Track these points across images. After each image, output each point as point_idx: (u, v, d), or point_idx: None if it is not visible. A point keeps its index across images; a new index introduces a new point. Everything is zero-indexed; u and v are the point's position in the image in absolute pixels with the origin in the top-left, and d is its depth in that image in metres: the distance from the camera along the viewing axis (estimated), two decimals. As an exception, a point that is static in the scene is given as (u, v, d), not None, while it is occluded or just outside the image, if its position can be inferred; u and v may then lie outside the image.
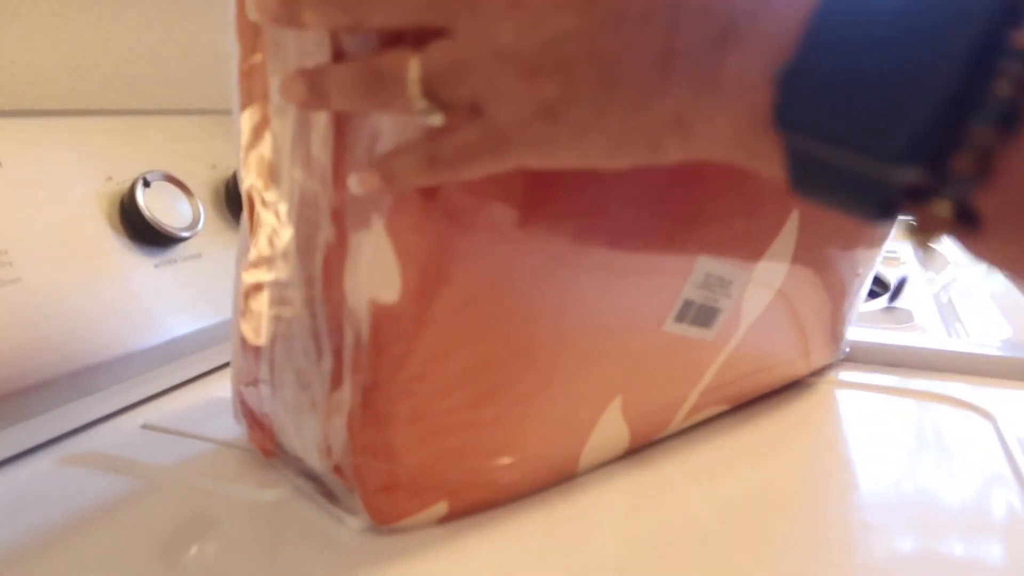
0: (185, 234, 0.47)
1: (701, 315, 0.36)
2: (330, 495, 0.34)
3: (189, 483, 0.37)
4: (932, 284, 0.73)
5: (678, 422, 0.41)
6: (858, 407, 0.46)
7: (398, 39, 0.25)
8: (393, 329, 0.29)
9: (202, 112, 0.57)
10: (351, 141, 0.28)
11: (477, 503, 0.34)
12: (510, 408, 0.32)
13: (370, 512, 0.32)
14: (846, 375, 0.50)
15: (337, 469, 0.33)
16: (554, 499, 0.35)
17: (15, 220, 0.40)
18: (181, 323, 0.46)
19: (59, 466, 0.39)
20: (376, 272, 0.29)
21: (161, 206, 0.46)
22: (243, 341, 0.36)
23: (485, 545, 0.32)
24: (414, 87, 0.24)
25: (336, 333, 0.30)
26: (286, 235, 0.32)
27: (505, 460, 0.33)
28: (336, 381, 0.31)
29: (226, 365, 0.52)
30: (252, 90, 0.34)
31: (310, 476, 0.35)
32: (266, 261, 0.33)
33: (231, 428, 0.42)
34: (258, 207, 0.34)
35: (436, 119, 0.24)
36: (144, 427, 0.43)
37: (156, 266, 0.46)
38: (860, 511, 0.34)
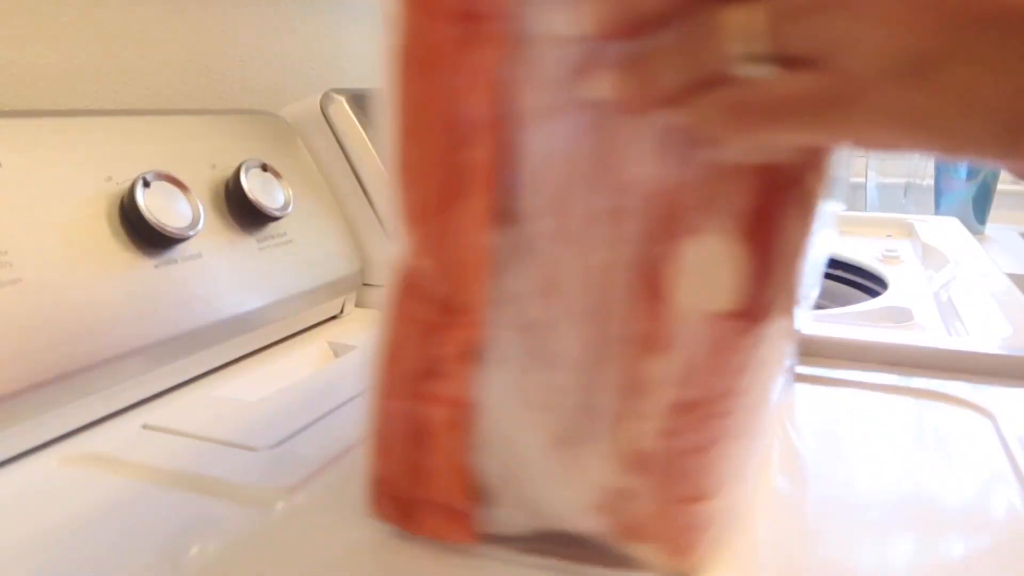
0: (185, 234, 0.47)
1: None
2: (581, 556, 0.29)
3: (189, 483, 0.37)
4: (932, 282, 0.73)
5: None
6: (857, 406, 0.46)
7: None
8: (733, 340, 0.26)
9: (202, 112, 0.57)
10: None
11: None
12: None
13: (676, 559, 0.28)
14: (845, 373, 0.50)
15: (624, 528, 0.28)
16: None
17: (15, 220, 0.40)
18: (181, 323, 0.46)
19: (59, 466, 0.39)
20: (713, 278, 0.25)
21: (161, 206, 0.46)
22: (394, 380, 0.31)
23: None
24: (753, 26, 0.20)
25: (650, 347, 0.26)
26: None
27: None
28: (628, 408, 0.26)
29: (226, 366, 0.53)
30: None
31: (546, 540, 0.30)
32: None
33: (231, 428, 0.42)
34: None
35: (765, 71, 0.20)
36: (144, 427, 0.43)
37: (156, 266, 0.46)
38: (859, 510, 0.34)
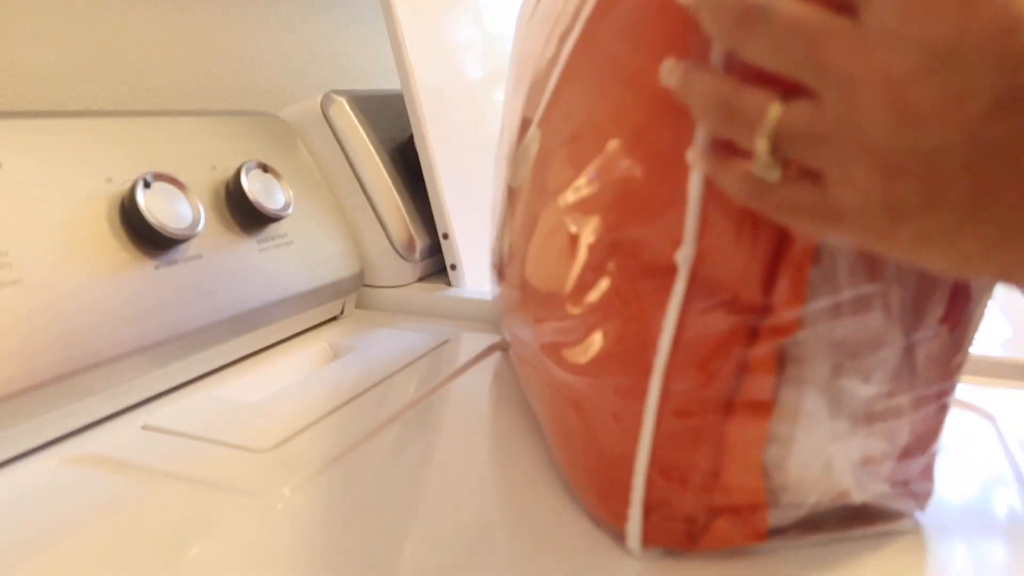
0: (185, 235, 0.47)
1: None
2: (857, 520, 0.32)
3: (189, 483, 0.37)
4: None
5: None
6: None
7: (765, 77, 0.23)
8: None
9: (202, 112, 0.57)
10: None
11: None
12: None
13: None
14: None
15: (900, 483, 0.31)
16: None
17: (15, 221, 0.40)
18: (181, 324, 0.46)
19: (60, 467, 0.39)
20: None
21: (161, 207, 0.46)
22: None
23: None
24: (763, 135, 0.23)
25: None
26: None
27: None
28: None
29: (226, 366, 0.53)
30: None
31: (817, 519, 0.31)
32: None
33: (231, 429, 0.42)
34: None
35: (772, 175, 0.23)
36: (145, 428, 0.43)
37: (156, 267, 0.46)
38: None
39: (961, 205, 0.20)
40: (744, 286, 0.27)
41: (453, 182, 0.65)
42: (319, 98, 0.65)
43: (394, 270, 0.67)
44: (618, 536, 0.31)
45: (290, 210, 0.56)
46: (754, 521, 0.30)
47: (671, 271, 0.28)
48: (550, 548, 0.31)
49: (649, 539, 0.30)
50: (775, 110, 0.23)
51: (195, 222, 0.48)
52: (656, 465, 0.29)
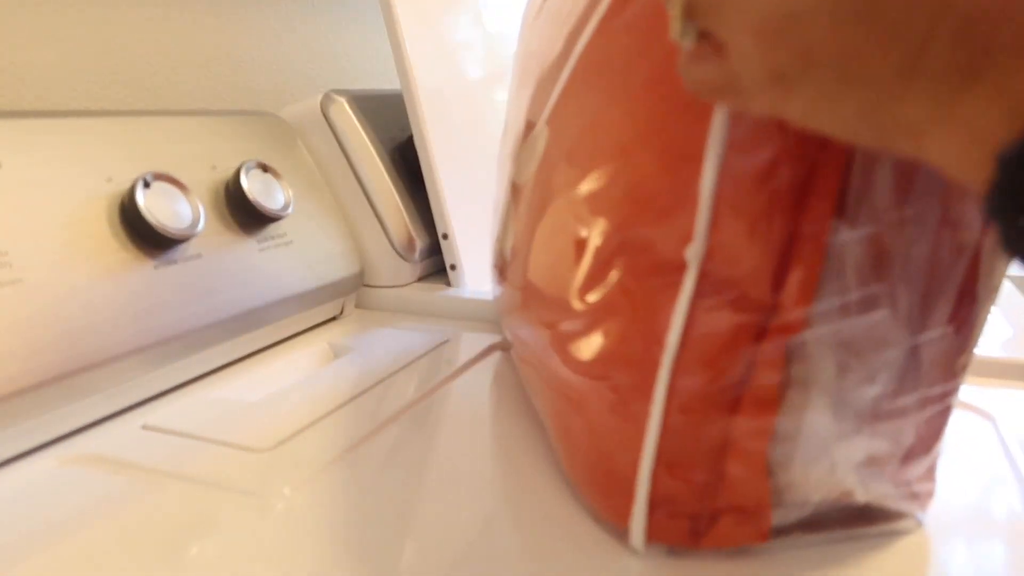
0: (185, 235, 0.47)
1: None
2: (859, 520, 0.32)
3: (189, 483, 0.37)
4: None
5: None
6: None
7: None
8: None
9: (202, 112, 0.57)
10: None
11: None
12: None
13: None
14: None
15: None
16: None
17: (15, 220, 0.40)
18: (181, 324, 0.46)
19: (60, 467, 0.39)
20: None
21: (161, 207, 0.46)
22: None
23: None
24: (675, 6, 0.24)
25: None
26: None
27: None
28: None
29: (226, 366, 0.53)
30: None
31: (819, 518, 0.32)
32: None
33: (231, 429, 0.42)
34: None
35: (686, 42, 0.24)
36: (145, 428, 0.43)
37: (156, 267, 0.46)
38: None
39: (833, 69, 0.21)
40: (753, 283, 0.27)
41: (453, 182, 0.65)
42: (319, 98, 0.65)
43: (394, 270, 0.67)
44: (620, 534, 0.31)
45: (290, 210, 0.56)
46: (758, 520, 0.30)
47: (680, 268, 0.28)
48: (552, 546, 0.31)
49: (652, 536, 0.30)
50: None
51: (195, 222, 0.48)
52: (661, 462, 0.29)
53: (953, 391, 0.31)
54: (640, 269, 0.30)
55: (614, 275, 0.31)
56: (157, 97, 0.67)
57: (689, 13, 0.24)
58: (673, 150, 0.28)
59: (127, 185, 0.46)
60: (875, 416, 0.29)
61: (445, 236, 0.65)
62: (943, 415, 0.31)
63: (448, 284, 0.67)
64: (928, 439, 0.31)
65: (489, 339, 0.57)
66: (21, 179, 0.41)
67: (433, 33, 0.66)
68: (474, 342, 0.57)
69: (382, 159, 0.66)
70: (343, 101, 0.65)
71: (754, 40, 0.22)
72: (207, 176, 0.53)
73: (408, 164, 0.67)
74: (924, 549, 0.32)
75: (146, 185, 0.46)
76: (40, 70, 0.57)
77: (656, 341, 0.28)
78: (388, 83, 0.72)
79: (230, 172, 0.54)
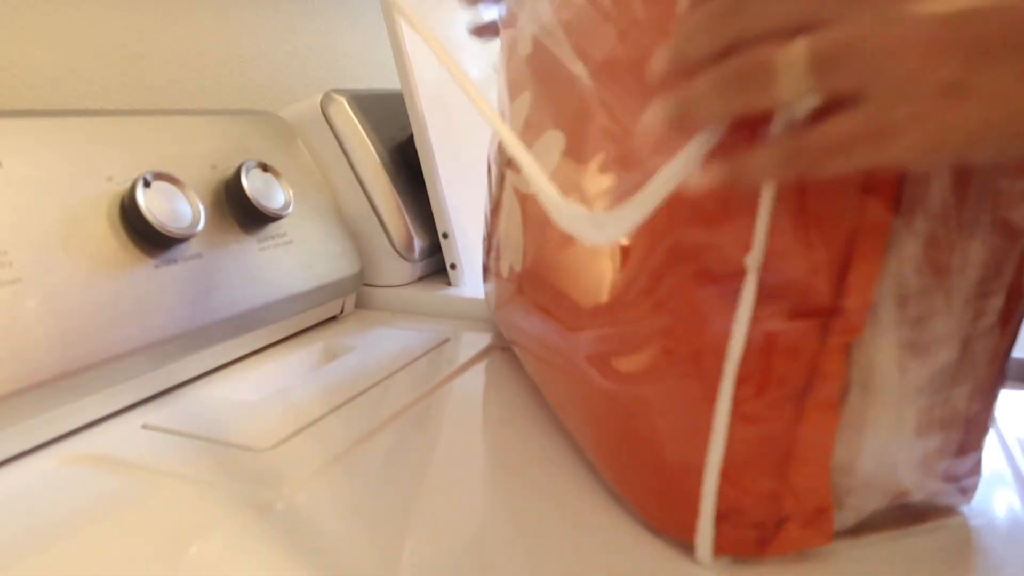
0: (185, 234, 0.47)
1: None
2: (913, 518, 0.32)
3: (189, 483, 0.37)
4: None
5: None
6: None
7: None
8: None
9: (202, 112, 0.57)
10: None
11: None
12: None
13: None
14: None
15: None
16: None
17: (15, 220, 0.40)
18: (181, 323, 0.46)
19: (60, 466, 0.39)
20: None
21: (161, 206, 0.46)
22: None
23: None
24: (795, 69, 0.22)
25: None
26: None
27: None
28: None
29: (226, 366, 0.52)
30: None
31: (877, 518, 0.32)
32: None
33: (231, 428, 0.42)
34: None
35: (807, 102, 0.23)
36: (144, 427, 0.43)
37: (156, 266, 0.46)
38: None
39: (1015, 56, 0.20)
40: (813, 288, 0.27)
41: (453, 182, 0.65)
42: (319, 97, 0.65)
43: (394, 270, 0.67)
44: (682, 545, 0.31)
45: (290, 209, 0.56)
46: (822, 523, 0.30)
47: (737, 275, 0.27)
48: (555, 546, 0.31)
49: (719, 549, 0.30)
50: (799, 43, 0.22)
51: (195, 221, 0.48)
52: (726, 474, 0.29)
53: (1000, 385, 0.31)
54: (693, 277, 0.29)
55: (663, 283, 0.30)
56: (157, 97, 0.67)
57: (818, 67, 0.22)
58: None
59: (127, 185, 0.46)
60: (932, 414, 0.29)
61: (445, 236, 0.65)
62: (990, 409, 0.32)
63: (448, 284, 0.67)
64: (978, 434, 0.32)
65: (489, 339, 0.57)
66: (21, 179, 0.41)
67: (433, 33, 0.66)
68: (474, 342, 0.57)
69: (382, 159, 0.66)
70: (343, 101, 0.65)
71: (924, 59, 0.21)
72: (207, 175, 0.53)
73: (408, 164, 0.67)
74: (970, 542, 0.32)
75: (146, 185, 0.46)
76: (40, 70, 0.57)
77: (713, 350, 0.28)
78: (388, 83, 0.72)
79: (230, 171, 0.54)
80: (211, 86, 0.73)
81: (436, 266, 0.70)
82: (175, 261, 0.47)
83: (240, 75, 0.76)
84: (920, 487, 0.31)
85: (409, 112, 0.62)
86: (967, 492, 0.33)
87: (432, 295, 0.65)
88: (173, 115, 0.55)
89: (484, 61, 0.74)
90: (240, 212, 0.53)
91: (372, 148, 0.65)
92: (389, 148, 0.67)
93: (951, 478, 0.32)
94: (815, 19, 0.22)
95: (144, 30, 0.66)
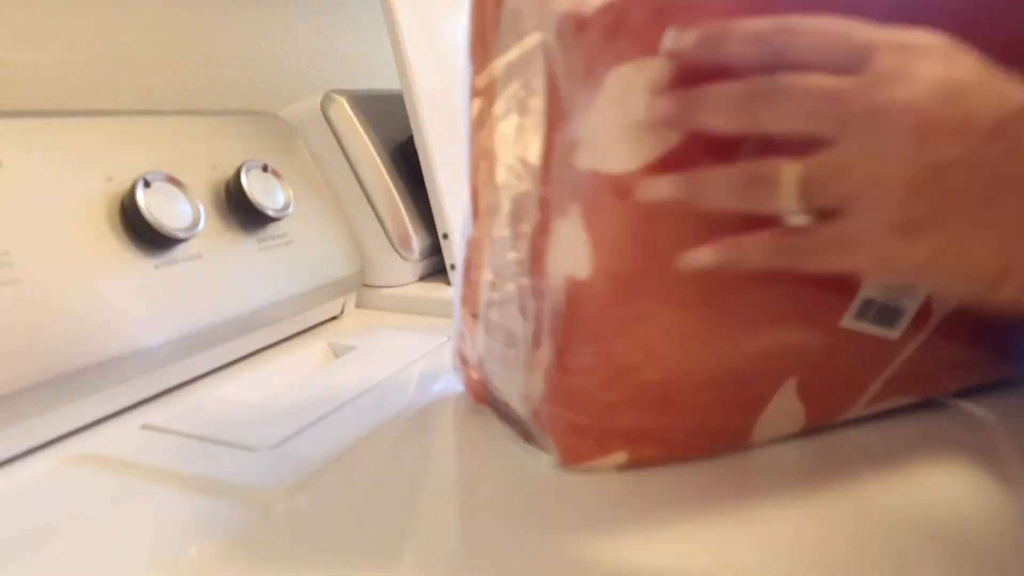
0: (185, 235, 0.47)
1: (883, 314, 0.36)
2: (528, 436, 0.39)
3: (189, 483, 0.37)
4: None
5: (860, 408, 0.41)
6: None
7: (768, 147, 0.27)
8: (584, 302, 0.34)
9: (202, 112, 0.57)
10: (557, 148, 0.33)
11: (653, 458, 0.37)
12: (685, 376, 0.36)
13: (560, 452, 0.37)
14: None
15: (536, 415, 0.38)
16: (727, 466, 0.38)
17: (15, 220, 0.40)
18: (181, 323, 0.46)
19: (59, 466, 0.39)
20: (572, 253, 0.33)
21: (161, 207, 0.46)
22: (464, 306, 0.42)
23: (656, 494, 0.35)
24: (790, 188, 0.26)
25: (539, 302, 0.36)
26: (502, 222, 0.37)
27: (680, 421, 0.37)
28: (536, 342, 0.36)
29: (226, 366, 0.53)
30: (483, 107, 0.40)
31: (510, 420, 0.41)
32: (486, 241, 0.39)
33: (231, 429, 0.42)
34: (482, 196, 0.40)
35: (801, 219, 0.27)
36: (144, 427, 0.43)
37: (156, 266, 0.46)
38: (858, 508, 0.34)
39: (968, 213, 0.24)
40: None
41: (453, 182, 0.65)
42: (319, 98, 0.65)
43: (394, 270, 0.67)
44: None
45: (290, 210, 0.56)
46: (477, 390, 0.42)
47: None
48: (556, 545, 0.31)
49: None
50: (795, 165, 0.26)
51: (195, 222, 0.48)
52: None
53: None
54: None
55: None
56: (157, 97, 0.67)
57: (806, 188, 0.26)
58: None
59: (127, 185, 0.46)
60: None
61: (445, 236, 0.65)
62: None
63: (448, 284, 0.67)
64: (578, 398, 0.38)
65: (489, 339, 0.57)
66: (21, 179, 0.41)
67: (433, 33, 0.66)
68: (474, 342, 0.57)
69: (382, 159, 0.66)
70: (343, 101, 0.65)
71: (891, 195, 0.25)
72: (207, 176, 0.53)
73: (408, 164, 0.67)
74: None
75: (146, 185, 0.46)
76: (40, 70, 0.57)
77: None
78: (388, 83, 0.72)
79: (230, 172, 0.54)
80: (211, 86, 0.73)
81: (436, 266, 0.70)
82: (175, 261, 0.47)
83: (240, 75, 0.76)
84: (521, 410, 0.39)
85: (409, 112, 0.62)
86: (562, 448, 0.38)
87: (432, 295, 0.65)
88: (173, 115, 0.55)
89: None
90: (240, 212, 0.53)
91: (372, 148, 0.65)
92: (389, 148, 0.67)
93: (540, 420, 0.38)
94: (816, 134, 0.26)
95: (144, 30, 0.66)
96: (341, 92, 0.66)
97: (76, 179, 0.44)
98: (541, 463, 0.38)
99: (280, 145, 0.61)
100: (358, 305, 0.67)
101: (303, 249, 0.58)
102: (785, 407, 0.38)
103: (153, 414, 0.44)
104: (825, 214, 0.27)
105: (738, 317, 0.35)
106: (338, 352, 0.57)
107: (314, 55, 0.87)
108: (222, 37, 0.74)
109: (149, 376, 0.46)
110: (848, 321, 0.36)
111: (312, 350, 0.57)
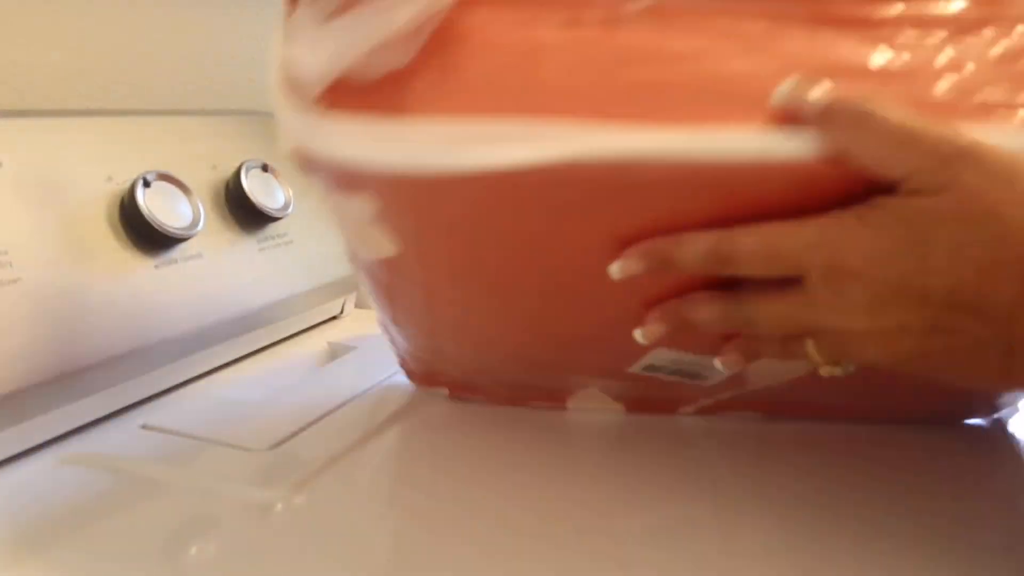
0: (185, 234, 0.47)
1: (679, 373, 0.37)
2: None
3: (189, 483, 0.37)
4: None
5: (687, 414, 0.42)
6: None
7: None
8: (397, 274, 0.36)
9: (202, 112, 0.57)
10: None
11: (473, 399, 0.44)
12: (492, 353, 0.40)
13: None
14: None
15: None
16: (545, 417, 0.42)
17: (15, 220, 0.40)
18: (181, 323, 0.46)
19: (59, 466, 0.39)
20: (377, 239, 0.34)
21: (161, 206, 0.46)
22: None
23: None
24: (821, 361, 0.30)
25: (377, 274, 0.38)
26: None
27: (490, 383, 0.43)
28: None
29: (226, 366, 0.53)
30: None
31: None
32: None
33: (231, 429, 0.42)
34: None
35: (837, 371, 0.30)
36: (144, 427, 0.43)
37: (156, 266, 0.46)
38: (859, 510, 0.34)
39: (934, 364, 0.27)
40: None
41: (453, 182, 0.65)
42: (319, 98, 0.65)
43: (394, 270, 0.67)
44: None
45: (290, 209, 0.56)
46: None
47: None
48: (558, 544, 0.31)
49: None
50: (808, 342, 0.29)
51: (195, 221, 0.48)
52: None
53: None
54: None
55: None
56: (157, 97, 0.67)
57: (836, 359, 0.29)
58: None
59: (127, 185, 0.46)
60: None
61: (445, 236, 0.65)
62: None
63: (448, 284, 0.67)
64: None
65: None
66: (21, 179, 0.41)
67: (433, 33, 0.66)
68: (474, 342, 0.57)
69: (382, 159, 0.65)
70: (343, 101, 0.65)
71: (863, 337, 0.27)
72: (207, 176, 0.53)
73: (408, 164, 0.67)
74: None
75: (146, 185, 0.46)
76: (40, 70, 0.57)
77: None
78: (388, 83, 0.72)
79: (230, 172, 0.54)
80: (211, 86, 0.73)
81: (436, 266, 0.70)
82: (175, 261, 0.47)
83: (240, 75, 0.76)
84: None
85: (409, 112, 0.62)
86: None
87: (432, 295, 0.65)
88: (173, 115, 0.54)
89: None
90: (240, 212, 0.53)
91: (372, 148, 0.65)
92: (389, 148, 0.67)
93: None
94: (807, 332, 0.29)
95: (144, 30, 0.66)
96: (341, 92, 0.66)
97: (76, 179, 0.44)
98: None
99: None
100: (358, 305, 0.67)
101: (303, 249, 0.58)
102: (596, 398, 0.42)
103: (153, 414, 0.44)
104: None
105: (543, 327, 0.37)
106: (338, 352, 0.57)
107: (314, 55, 0.86)
108: (222, 37, 0.74)
109: (149, 376, 0.46)
110: (637, 369, 0.37)
111: (312, 350, 0.57)
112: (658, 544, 0.32)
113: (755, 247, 0.27)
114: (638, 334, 0.32)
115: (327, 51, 0.29)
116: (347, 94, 0.29)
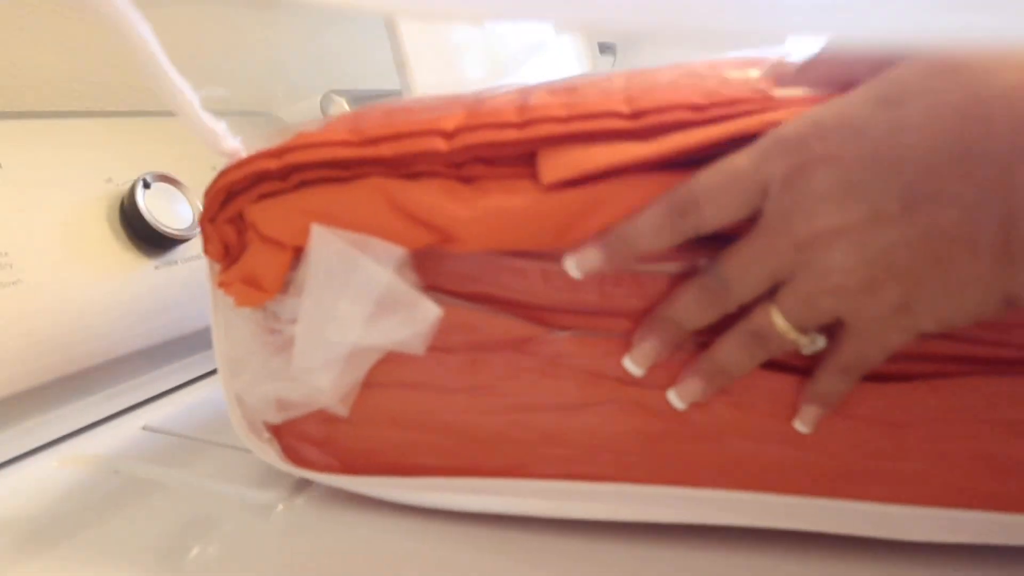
0: (185, 235, 0.47)
1: None
2: None
3: (189, 485, 0.37)
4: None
5: None
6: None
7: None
8: None
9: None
10: None
11: None
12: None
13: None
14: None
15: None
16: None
17: (15, 221, 0.40)
18: (181, 324, 0.46)
19: (59, 467, 0.39)
20: None
21: (161, 207, 0.46)
22: None
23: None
24: (790, 332, 0.27)
25: None
26: None
27: None
28: None
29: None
30: None
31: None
32: None
33: (231, 430, 0.42)
34: None
35: (821, 342, 0.28)
36: (144, 429, 0.43)
37: (156, 267, 0.46)
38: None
39: (936, 282, 0.25)
40: None
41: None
42: (319, 98, 0.65)
43: (394, 270, 0.67)
44: None
45: (290, 210, 0.56)
46: None
47: None
48: (559, 544, 0.31)
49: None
50: (773, 310, 0.27)
51: (195, 222, 0.48)
52: None
53: None
54: None
55: None
56: (157, 98, 0.67)
57: (799, 324, 0.27)
58: None
59: (127, 185, 0.46)
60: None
61: (445, 236, 0.65)
62: None
63: (448, 284, 0.67)
64: None
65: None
66: (21, 179, 0.41)
67: (433, 33, 0.66)
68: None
69: (382, 159, 0.66)
70: (343, 101, 0.65)
71: (860, 294, 0.25)
72: (207, 177, 0.52)
73: (408, 164, 0.67)
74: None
75: (146, 185, 0.46)
76: (40, 70, 0.57)
77: None
78: (388, 83, 0.72)
79: (230, 172, 0.53)
80: (211, 86, 0.73)
81: (436, 266, 0.70)
82: (175, 262, 0.47)
83: (240, 75, 0.76)
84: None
85: (409, 112, 0.62)
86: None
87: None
88: (173, 116, 0.54)
89: (484, 61, 0.74)
90: (240, 213, 0.53)
91: (372, 148, 0.65)
92: (389, 148, 0.67)
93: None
94: (781, 277, 0.26)
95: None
96: (341, 92, 0.66)
97: (76, 179, 0.44)
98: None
99: (280, 145, 0.61)
100: (358, 305, 0.67)
101: (303, 249, 0.58)
102: None
103: (153, 416, 0.44)
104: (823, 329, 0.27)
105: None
106: (338, 352, 0.57)
107: (314, 55, 0.87)
108: (222, 37, 0.74)
109: (149, 377, 0.46)
110: None
111: (312, 350, 0.57)
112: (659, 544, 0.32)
113: (712, 177, 0.26)
114: (672, 395, 0.29)
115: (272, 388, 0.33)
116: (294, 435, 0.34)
